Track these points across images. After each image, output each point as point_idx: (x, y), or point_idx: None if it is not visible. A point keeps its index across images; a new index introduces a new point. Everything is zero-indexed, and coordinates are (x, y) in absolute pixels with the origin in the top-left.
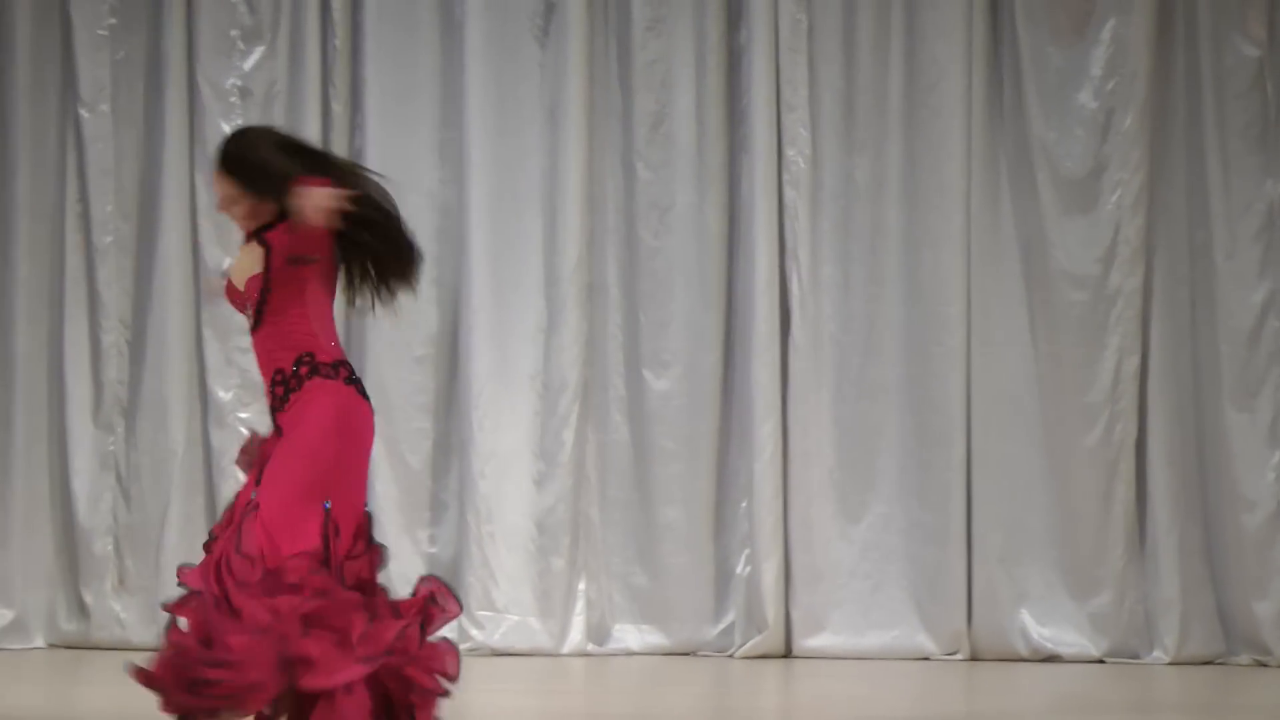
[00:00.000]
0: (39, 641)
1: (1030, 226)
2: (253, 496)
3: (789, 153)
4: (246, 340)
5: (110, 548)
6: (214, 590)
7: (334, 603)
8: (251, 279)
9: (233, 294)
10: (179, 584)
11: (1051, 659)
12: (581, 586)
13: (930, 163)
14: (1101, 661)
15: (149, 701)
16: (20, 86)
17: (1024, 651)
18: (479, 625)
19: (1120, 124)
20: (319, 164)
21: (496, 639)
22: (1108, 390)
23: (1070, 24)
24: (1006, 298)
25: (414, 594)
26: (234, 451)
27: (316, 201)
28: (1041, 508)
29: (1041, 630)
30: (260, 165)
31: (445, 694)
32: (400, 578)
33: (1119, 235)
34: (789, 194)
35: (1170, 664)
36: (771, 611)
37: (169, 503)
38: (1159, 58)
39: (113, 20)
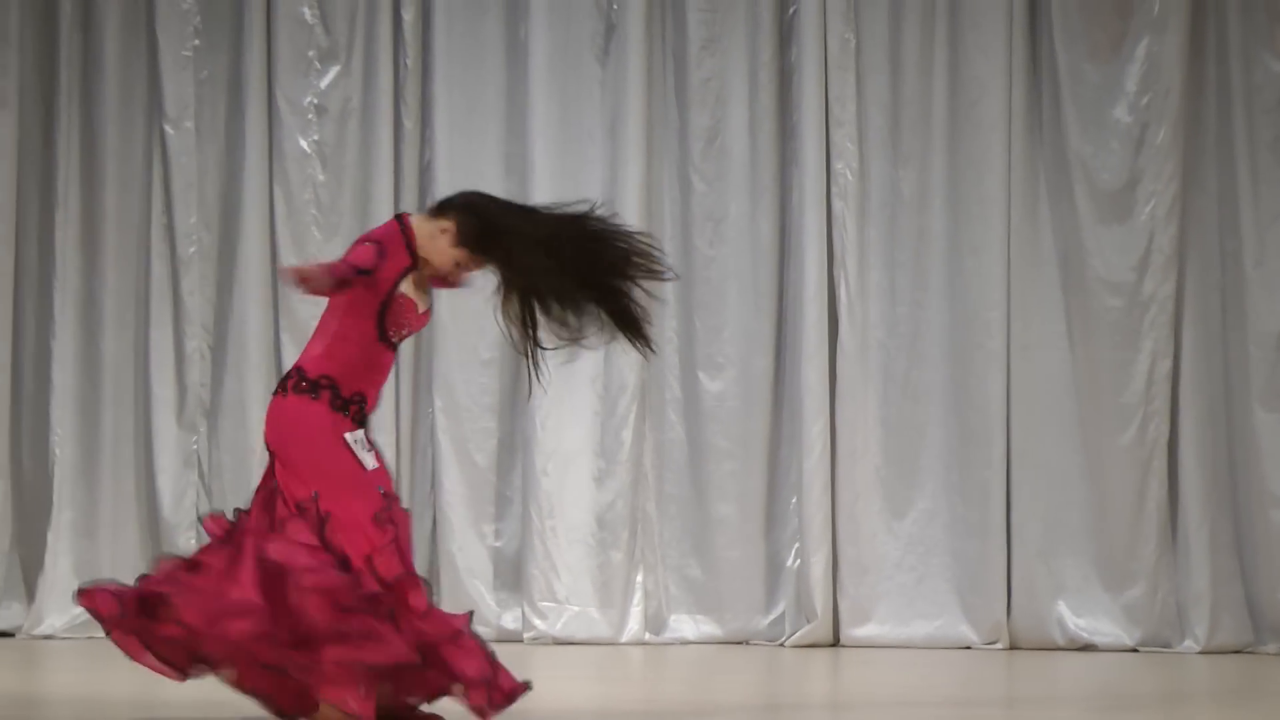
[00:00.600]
0: None
1: (1068, 235)
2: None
3: (837, 165)
4: None
5: (193, 541)
6: None
7: None
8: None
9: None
10: None
11: (1087, 648)
12: (639, 578)
13: (972, 175)
14: (1135, 650)
15: (227, 690)
16: (109, 104)
17: (1061, 641)
18: (542, 615)
19: (1154, 138)
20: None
21: (558, 629)
22: (1141, 392)
23: (1106, 42)
24: (1045, 303)
25: None
26: None
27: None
28: (1078, 504)
29: (1078, 620)
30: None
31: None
32: (468, 571)
33: (1153, 244)
34: (837, 205)
35: (1201, 653)
36: (820, 602)
37: (249, 499)
38: (1191, 74)
39: (196, 41)
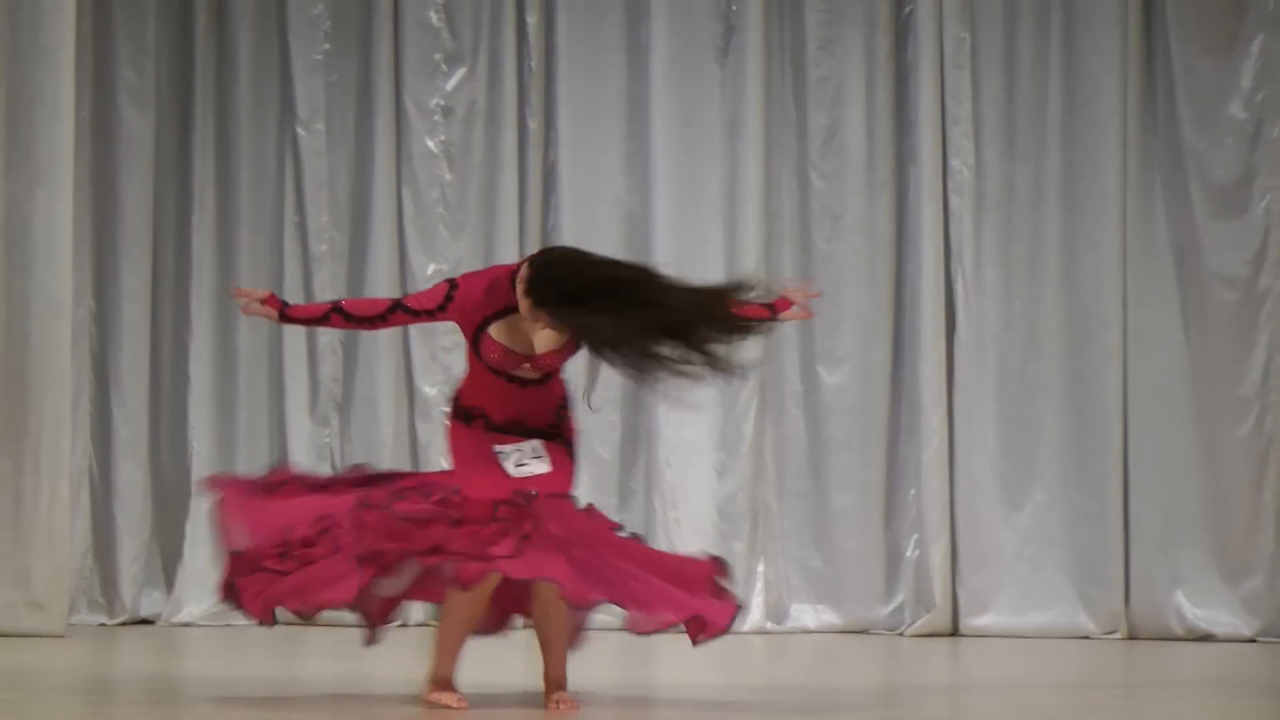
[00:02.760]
0: None
1: (1183, 231)
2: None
3: (954, 162)
4: (449, 340)
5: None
6: None
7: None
8: (557, 354)
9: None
10: None
11: (1205, 638)
12: (761, 569)
13: (1088, 171)
14: (1253, 641)
15: (359, 671)
16: (242, 107)
17: (1179, 631)
18: None
19: (1269, 133)
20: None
21: None
22: (1258, 384)
23: (1220, 39)
24: (1160, 297)
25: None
26: (439, 443)
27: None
28: (1195, 495)
29: (1196, 611)
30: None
31: None
32: None
33: (1268, 238)
34: (954, 201)
35: None
36: (939, 592)
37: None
38: None
39: (327, 46)
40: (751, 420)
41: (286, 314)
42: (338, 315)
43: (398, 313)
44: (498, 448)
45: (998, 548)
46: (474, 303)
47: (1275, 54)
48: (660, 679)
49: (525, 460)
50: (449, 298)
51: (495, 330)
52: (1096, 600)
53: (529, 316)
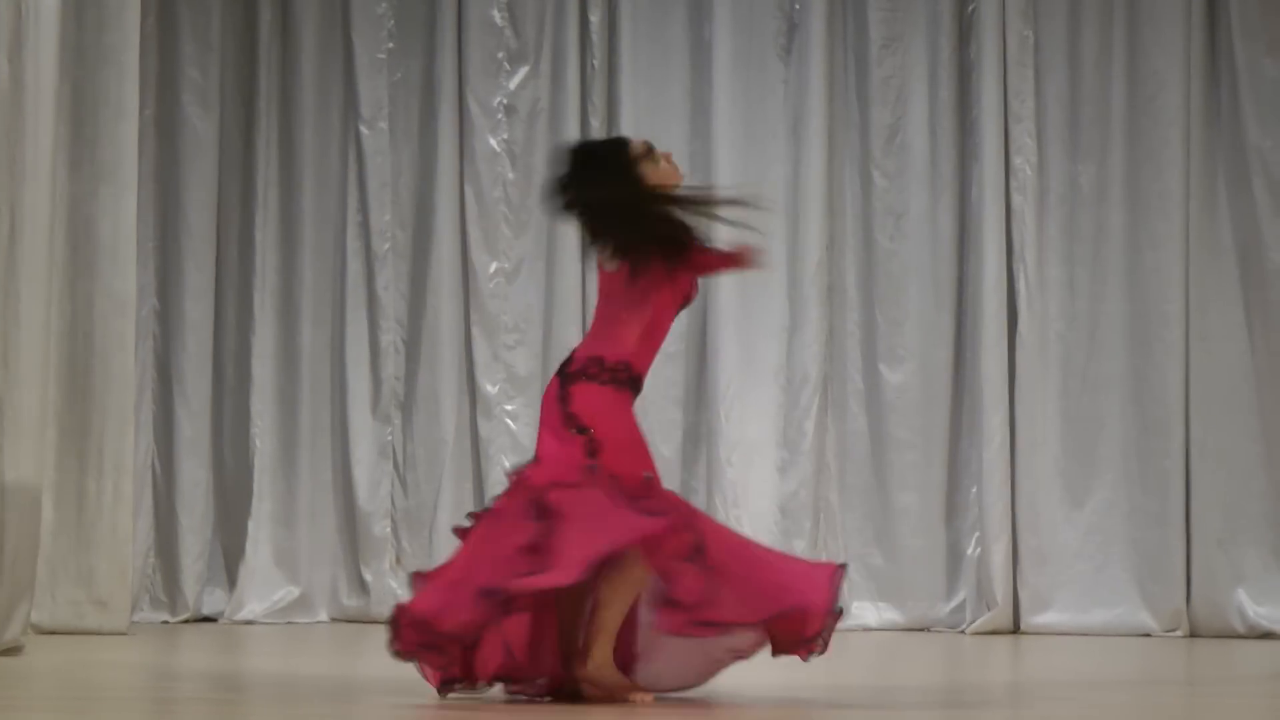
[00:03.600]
0: (322, 616)
1: (1246, 229)
2: None
3: (1016, 160)
4: (511, 338)
5: (388, 530)
6: None
7: None
8: None
9: None
10: None
11: (1267, 636)
12: None
13: (1151, 169)
14: None
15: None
16: (306, 106)
17: (1241, 629)
18: None
19: None
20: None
21: None
22: None
23: None
24: (1224, 295)
25: None
26: (500, 441)
27: None
28: (1258, 493)
29: (1258, 608)
30: None
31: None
32: None
33: None
34: (1016, 199)
35: None
36: (1000, 590)
37: (441, 488)
38: None
39: (390, 45)
40: (813, 418)
41: None
42: None
43: None
44: None
45: (1059, 546)
46: None
47: None
48: (720, 675)
49: None
50: None
51: None
52: (1158, 598)
53: None
